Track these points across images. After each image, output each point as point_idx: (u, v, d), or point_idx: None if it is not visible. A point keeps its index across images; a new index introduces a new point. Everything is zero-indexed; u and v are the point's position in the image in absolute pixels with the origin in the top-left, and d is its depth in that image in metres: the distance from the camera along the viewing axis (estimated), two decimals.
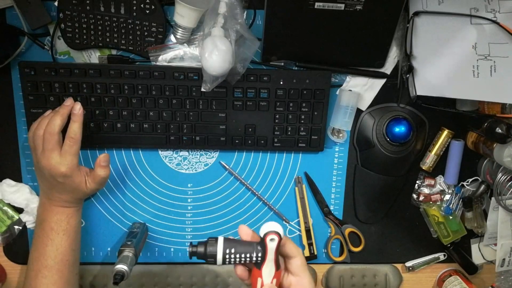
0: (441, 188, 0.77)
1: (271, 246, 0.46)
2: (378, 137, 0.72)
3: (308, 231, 0.76)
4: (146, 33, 0.65)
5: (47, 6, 0.64)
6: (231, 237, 0.49)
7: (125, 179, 0.73)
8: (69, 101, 0.63)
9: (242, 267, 0.50)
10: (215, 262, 0.47)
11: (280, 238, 0.47)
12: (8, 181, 0.71)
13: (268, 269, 0.48)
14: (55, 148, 0.60)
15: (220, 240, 0.47)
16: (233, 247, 0.47)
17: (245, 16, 0.64)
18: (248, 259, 0.47)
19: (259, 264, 0.47)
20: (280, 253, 0.50)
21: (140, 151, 0.73)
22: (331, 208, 0.77)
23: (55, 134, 0.60)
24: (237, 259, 0.47)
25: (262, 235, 0.46)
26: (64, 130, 0.62)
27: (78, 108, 0.62)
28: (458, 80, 0.66)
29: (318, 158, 0.75)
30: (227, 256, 0.47)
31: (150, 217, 0.75)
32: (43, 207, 0.65)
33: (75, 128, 0.61)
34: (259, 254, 0.47)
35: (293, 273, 0.50)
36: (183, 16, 0.62)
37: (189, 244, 0.48)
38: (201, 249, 0.47)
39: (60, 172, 0.60)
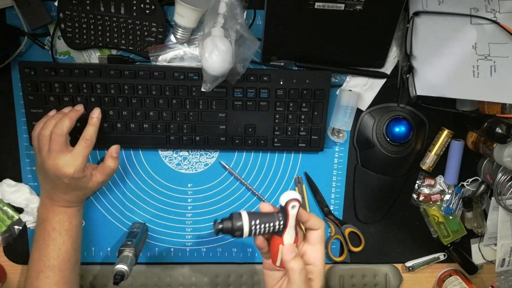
0: (441, 188, 0.77)
1: (293, 212, 0.49)
2: (378, 137, 0.72)
3: None
4: (146, 33, 0.65)
5: (47, 6, 0.64)
6: (252, 211, 0.51)
7: (125, 179, 0.73)
8: (79, 107, 0.65)
9: (261, 237, 0.52)
10: (242, 235, 0.49)
11: (300, 205, 0.49)
12: (8, 181, 0.71)
13: (289, 236, 0.50)
14: (63, 149, 0.60)
15: (244, 214, 0.49)
16: (257, 219, 0.49)
17: (245, 16, 0.64)
18: (272, 228, 0.49)
19: (280, 232, 0.50)
20: (303, 224, 0.53)
21: (140, 151, 0.73)
22: (331, 208, 0.77)
23: (63, 135, 0.60)
24: (262, 229, 0.49)
25: (283, 204, 0.49)
26: (70, 132, 0.62)
27: (97, 113, 0.65)
28: (458, 80, 0.66)
29: (318, 158, 0.75)
30: (253, 228, 0.49)
31: (150, 217, 0.75)
32: (45, 207, 0.65)
33: (91, 131, 0.63)
34: (281, 222, 0.49)
35: (311, 243, 0.52)
36: (183, 16, 0.62)
37: (213, 222, 0.49)
38: (227, 224, 0.49)
39: (67, 173, 0.60)
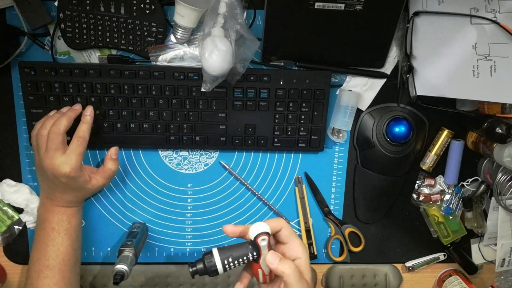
0: (441, 188, 0.77)
1: (263, 244, 0.50)
2: (378, 137, 0.72)
3: (308, 231, 0.76)
4: (146, 33, 0.65)
5: (47, 6, 0.64)
6: (223, 246, 0.52)
7: (125, 179, 0.73)
8: (77, 106, 0.65)
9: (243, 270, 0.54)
10: (217, 273, 0.50)
11: (269, 236, 0.50)
12: (8, 181, 0.71)
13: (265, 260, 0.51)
14: (59, 148, 0.60)
15: (215, 252, 0.50)
16: (229, 255, 0.50)
17: (245, 16, 0.64)
18: (246, 260, 0.51)
19: (256, 260, 0.51)
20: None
21: (140, 151, 0.73)
22: (331, 208, 0.77)
23: (60, 134, 0.60)
24: (236, 264, 0.50)
25: (252, 238, 0.50)
26: (68, 132, 0.62)
27: (90, 111, 0.65)
28: (458, 80, 0.66)
29: (318, 158, 0.75)
30: (227, 265, 0.50)
31: (150, 217, 0.75)
32: (44, 207, 0.65)
33: (84, 129, 0.63)
34: (254, 253, 0.51)
35: (284, 242, 0.53)
36: (183, 16, 0.62)
37: (188, 266, 0.50)
38: (200, 266, 0.50)
39: (63, 172, 0.60)
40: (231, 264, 0.50)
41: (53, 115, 0.64)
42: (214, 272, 0.50)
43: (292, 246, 0.52)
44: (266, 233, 0.49)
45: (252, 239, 0.50)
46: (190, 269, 0.50)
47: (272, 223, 0.52)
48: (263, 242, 0.49)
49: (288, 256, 0.52)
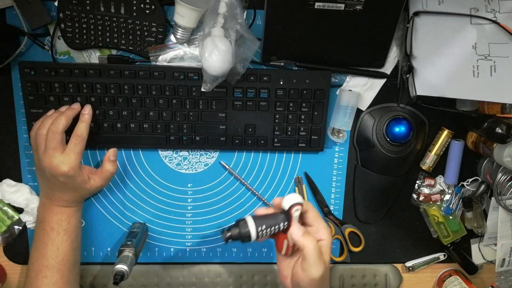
0: (441, 188, 0.77)
1: (296, 215, 0.52)
2: (378, 137, 0.72)
3: None
4: (146, 33, 0.65)
5: (47, 6, 0.64)
6: (256, 214, 0.54)
7: (125, 179, 0.73)
8: (76, 105, 0.65)
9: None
10: (250, 240, 0.52)
11: (302, 206, 0.52)
12: (8, 181, 0.71)
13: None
14: (58, 147, 0.60)
15: (249, 219, 0.52)
16: (263, 223, 0.52)
17: (245, 16, 0.64)
18: (277, 229, 0.53)
19: (285, 230, 0.53)
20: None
21: (140, 151, 0.73)
22: (331, 208, 0.77)
23: (58, 133, 0.60)
24: (268, 232, 0.52)
25: (286, 208, 0.52)
26: (67, 132, 0.62)
27: (88, 109, 0.65)
28: (458, 80, 0.66)
29: (318, 158, 0.75)
30: (259, 232, 0.52)
31: (150, 217, 0.75)
32: (44, 207, 0.65)
33: (82, 128, 0.63)
34: (285, 223, 0.53)
35: (309, 225, 0.55)
36: (183, 16, 0.62)
37: (221, 231, 0.52)
38: (235, 231, 0.52)
39: (62, 171, 0.60)
40: (264, 232, 0.52)
41: (51, 114, 0.63)
42: (248, 238, 0.52)
43: (317, 228, 0.54)
44: (300, 204, 0.52)
45: (286, 209, 0.52)
46: (225, 235, 0.52)
47: (308, 207, 0.54)
48: (296, 213, 0.52)
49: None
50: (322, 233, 0.54)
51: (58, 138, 0.60)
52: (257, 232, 0.52)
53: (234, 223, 0.53)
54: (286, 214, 0.52)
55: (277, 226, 0.52)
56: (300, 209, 0.52)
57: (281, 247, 0.55)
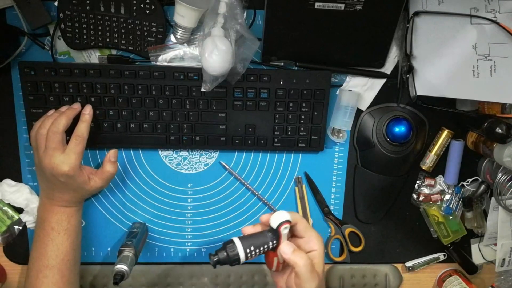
0: (441, 188, 0.77)
1: (284, 232, 0.51)
2: (378, 137, 0.72)
3: None
4: (146, 33, 0.65)
5: (47, 6, 0.64)
6: (242, 235, 0.52)
7: (125, 179, 0.73)
8: (76, 105, 0.65)
9: None
10: (239, 262, 0.51)
11: (290, 224, 0.51)
12: (8, 181, 0.71)
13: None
14: (58, 147, 0.60)
15: (237, 241, 0.51)
16: (251, 244, 0.51)
17: (245, 16, 0.64)
18: (266, 248, 0.51)
19: (274, 248, 0.52)
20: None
21: (140, 151, 0.73)
22: (331, 208, 0.77)
23: (59, 133, 0.60)
24: (257, 252, 0.51)
25: (275, 226, 0.50)
26: (67, 132, 0.62)
27: (88, 109, 0.65)
28: (458, 80, 0.66)
29: (318, 158, 0.75)
30: (249, 254, 0.51)
31: (150, 217, 0.75)
32: (44, 207, 0.65)
33: (83, 128, 0.63)
34: (274, 242, 0.51)
35: (300, 236, 0.54)
36: (183, 16, 0.62)
37: (209, 255, 0.51)
38: (223, 255, 0.50)
39: (62, 171, 0.60)
40: (253, 252, 0.50)
41: (52, 114, 0.63)
42: (236, 261, 0.50)
43: (309, 239, 0.53)
44: (289, 222, 0.51)
45: (275, 227, 0.50)
46: (213, 258, 0.50)
47: (291, 215, 0.52)
48: (285, 230, 0.50)
49: (304, 248, 0.53)
50: (314, 244, 0.53)
51: (58, 138, 0.60)
52: (246, 254, 0.50)
53: (221, 246, 0.51)
54: (275, 232, 0.51)
55: (265, 246, 0.51)
56: (289, 227, 0.51)
57: (272, 264, 0.54)
